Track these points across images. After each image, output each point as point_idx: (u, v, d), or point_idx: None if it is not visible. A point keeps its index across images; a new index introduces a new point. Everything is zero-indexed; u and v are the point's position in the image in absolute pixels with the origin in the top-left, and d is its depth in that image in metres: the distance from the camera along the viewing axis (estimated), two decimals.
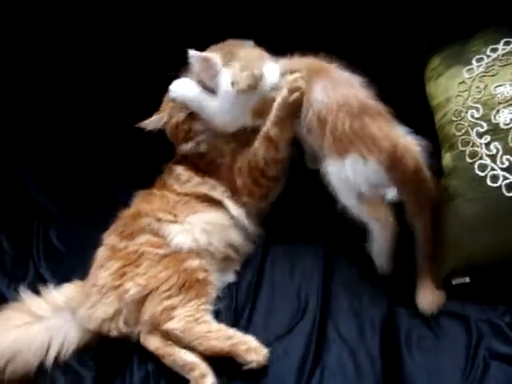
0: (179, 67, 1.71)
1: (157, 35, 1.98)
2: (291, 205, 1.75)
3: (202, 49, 1.67)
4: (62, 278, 1.73)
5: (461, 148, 1.55)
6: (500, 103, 1.52)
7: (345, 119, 1.48)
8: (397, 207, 1.55)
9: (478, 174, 1.50)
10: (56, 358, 1.54)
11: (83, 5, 1.95)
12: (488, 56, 1.60)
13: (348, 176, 1.48)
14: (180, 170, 1.74)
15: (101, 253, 1.65)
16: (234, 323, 1.55)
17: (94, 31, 1.99)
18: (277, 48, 1.66)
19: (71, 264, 1.77)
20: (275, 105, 1.59)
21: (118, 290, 1.56)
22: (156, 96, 1.78)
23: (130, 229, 1.65)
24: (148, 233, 1.63)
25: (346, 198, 1.53)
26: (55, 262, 1.80)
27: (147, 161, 1.90)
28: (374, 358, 1.45)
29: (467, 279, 1.51)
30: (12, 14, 1.97)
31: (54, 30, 1.99)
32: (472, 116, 1.55)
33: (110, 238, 1.66)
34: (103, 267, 1.61)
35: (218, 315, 1.57)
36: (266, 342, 1.49)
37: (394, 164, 1.46)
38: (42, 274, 1.77)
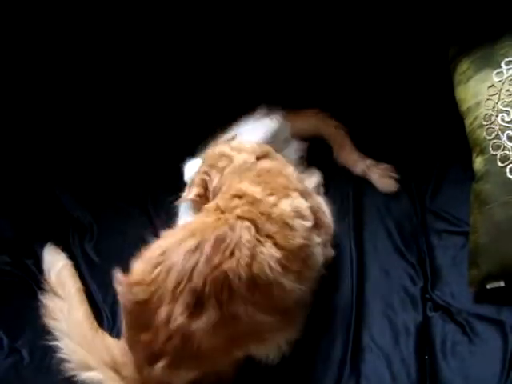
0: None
1: (157, 42, 2.03)
2: None
3: None
4: (99, 287, 1.78)
5: (492, 152, 1.54)
6: None
7: None
8: None
9: (509, 178, 1.50)
10: None
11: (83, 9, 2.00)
12: None
13: None
14: None
15: None
16: None
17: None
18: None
19: (107, 274, 1.80)
20: None
21: None
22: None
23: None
24: None
25: None
26: (92, 272, 1.83)
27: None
28: (409, 365, 1.46)
29: (502, 283, 1.50)
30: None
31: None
32: (502, 119, 1.54)
33: None
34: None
35: None
36: (302, 350, 1.51)
37: None
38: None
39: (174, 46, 2.05)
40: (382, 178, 1.76)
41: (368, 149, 1.80)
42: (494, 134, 1.55)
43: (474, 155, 1.60)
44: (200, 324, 1.37)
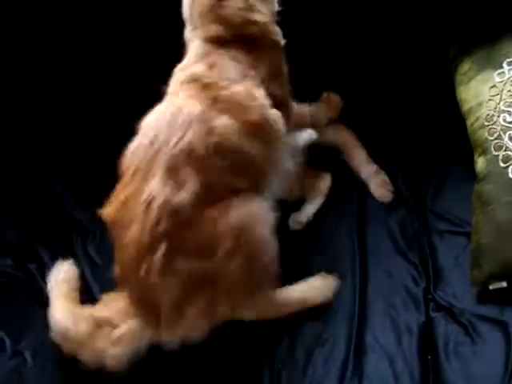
0: None
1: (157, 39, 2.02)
2: (324, 210, 1.77)
3: None
4: (102, 288, 1.76)
5: (494, 153, 1.55)
6: None
7: None
8: None
9: (511, 179, 1.50)
10: None
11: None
12: None
13: None
14: None
15: None
16: None
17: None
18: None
19: (109, 275, 1.80)
20: None
21: None
22: None
23: None
24: None
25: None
26: (94, 274, 1.82)
27: None
28: (412, 365, 1.46)
29: (504, 284, 1.50)
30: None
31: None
32: (504, 120, 1.55)
33: None
34: None
35: None
36: (304, 350, 1.52)
37: None
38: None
39: (175, 49, 2.05)
40: (379, 187, 1.77)
41: (370, 150, 1.79)
42: (495, 135, 1.55)
43: (476, 156, 1.60)
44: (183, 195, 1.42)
